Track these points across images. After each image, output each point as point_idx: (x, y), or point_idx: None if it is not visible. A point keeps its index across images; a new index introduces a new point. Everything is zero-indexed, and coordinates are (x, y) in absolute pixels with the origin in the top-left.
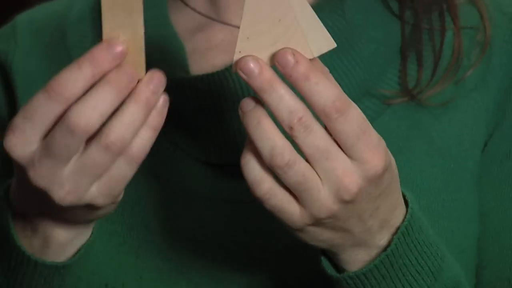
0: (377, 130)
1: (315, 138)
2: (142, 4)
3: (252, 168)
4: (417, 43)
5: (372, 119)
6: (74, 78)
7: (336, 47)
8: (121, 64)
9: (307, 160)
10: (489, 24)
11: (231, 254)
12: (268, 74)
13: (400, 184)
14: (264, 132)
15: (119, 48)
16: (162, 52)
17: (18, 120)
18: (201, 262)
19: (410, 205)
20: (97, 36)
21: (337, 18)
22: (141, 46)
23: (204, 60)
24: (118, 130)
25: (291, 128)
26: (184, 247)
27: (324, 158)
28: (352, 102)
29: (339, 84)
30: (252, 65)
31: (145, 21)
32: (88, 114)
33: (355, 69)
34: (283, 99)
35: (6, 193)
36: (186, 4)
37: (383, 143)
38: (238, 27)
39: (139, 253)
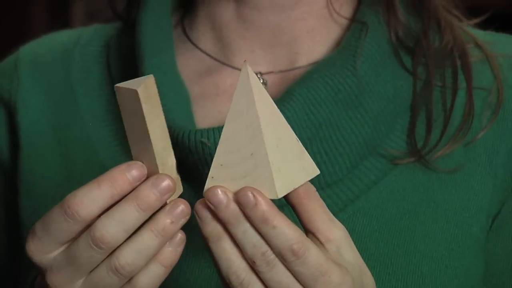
0: (382, 191)
1: (276, 273)
2: (151, 139)
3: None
4: (427, 101)
5: (378, 179)
6: (92, 197)
7: (346, 104)
8: (153, 182)
9: None
10: (502, 86)
11: None
12: (235, 207)
13: (403, 248)
14: (223, 251)
15: (136, 172)
16: (167, 100)
17: (37, 228)
18: None
19: None
20: (102, 74)
21: (348, 74)
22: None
23: (211, 106)
24: (129, 255)
25: (253, 262)
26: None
27: None
28: (312, 244)
29: (347, 142)
30: (220, 197)
31: (152, 67)
32: (114, 229)
33: (364, 126)
34: (247, 233)
35: (32, 282)
36: (196, 46)
37: (347, 280)
38: None
39: None
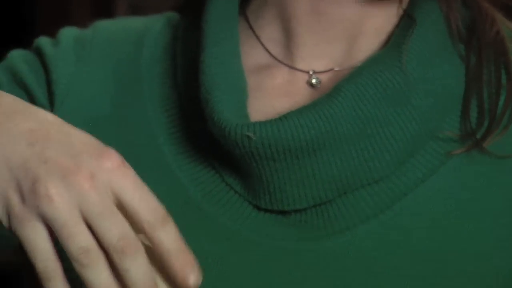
0: (430, 189)
1: None
2: None
3: None
4: (478, 92)
5: (425, 177)
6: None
7: (393, 100)
8: None
9: None
10: None
11: None
12: None
13: (449, 246)
14: None
15: None
16: (219, 91)
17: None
18: None
19: None
20: (168, 64)
21: (396, 70)
22: None
23: (266, 99)
24: None
25: None
26: None
27: None
28: None
29: (395, 138)
30: None
31: (211, 56)
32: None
33: (411, 123)
34: None
35: None
36: (258, 38)
37: None
38: (305, 71)
39: None
